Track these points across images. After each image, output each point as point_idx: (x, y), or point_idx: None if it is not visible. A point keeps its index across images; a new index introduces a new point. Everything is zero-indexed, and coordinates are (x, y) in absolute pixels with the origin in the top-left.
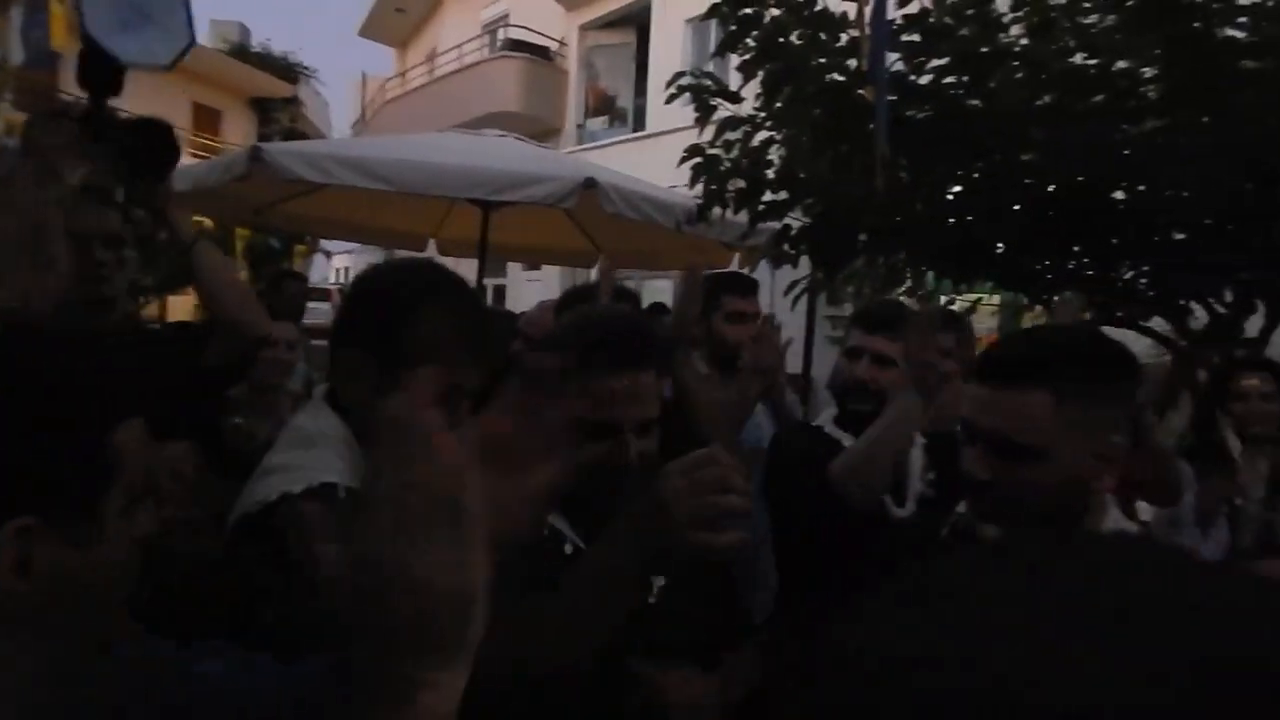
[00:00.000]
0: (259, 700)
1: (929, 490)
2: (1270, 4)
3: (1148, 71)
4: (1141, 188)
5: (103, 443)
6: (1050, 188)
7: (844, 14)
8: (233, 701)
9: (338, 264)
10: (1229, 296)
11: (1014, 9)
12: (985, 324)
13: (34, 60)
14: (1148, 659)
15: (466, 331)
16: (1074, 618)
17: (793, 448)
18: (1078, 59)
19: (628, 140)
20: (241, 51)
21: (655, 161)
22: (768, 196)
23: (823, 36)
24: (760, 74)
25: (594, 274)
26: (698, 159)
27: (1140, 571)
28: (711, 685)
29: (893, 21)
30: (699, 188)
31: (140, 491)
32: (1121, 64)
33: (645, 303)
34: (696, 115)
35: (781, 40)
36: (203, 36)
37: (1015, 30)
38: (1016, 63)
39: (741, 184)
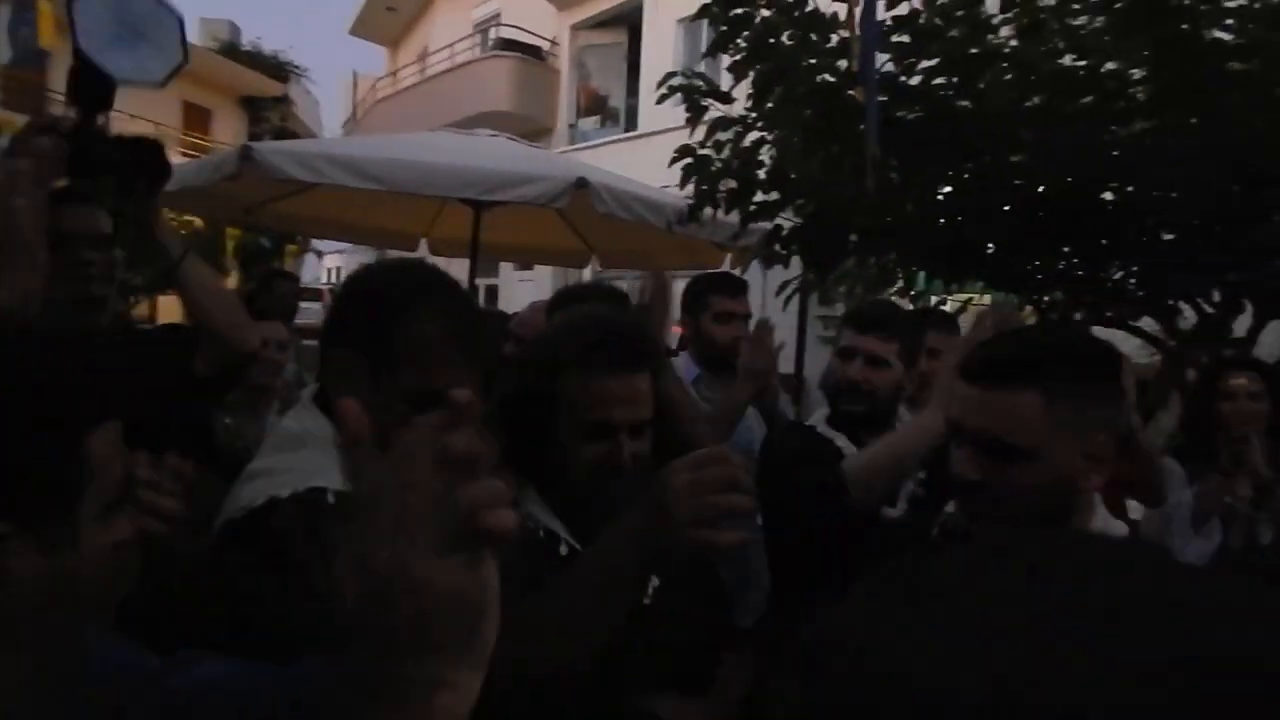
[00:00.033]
0: (257, 701)
1: (920, 490)
2: (1256, 6)
3: (1136, 73)
4: (1130, 189)
5: (78, 447)
6: (1040, 188)
7: (834, 15)
8: (231, 702)
9: (329, 264)
10: (1217, 296)
11: (1003, 10)
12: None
13: (22, 58)
14: (1142, 659)
15: (458, 332)
16: (1068, 618)
17: (785, 448)
18: (1067, 60)
19: (619, 140)
20: (232, 50)
21: (647, 161)
22: (759, 197)
23: (813, 37)
24: (751, 74)
25: (586, 274)
26: (688, 160)
27: (1132, 572)
28: (711, 703)
29: (883, 22)
30: (690, 188)
31: (115, 497)
32: (1110, 65)
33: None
34: (688, 115)
35: (772, 41)
36: (193, 35)
37: (1005, 32)
38: (1006, 64)
39: (733, 184)
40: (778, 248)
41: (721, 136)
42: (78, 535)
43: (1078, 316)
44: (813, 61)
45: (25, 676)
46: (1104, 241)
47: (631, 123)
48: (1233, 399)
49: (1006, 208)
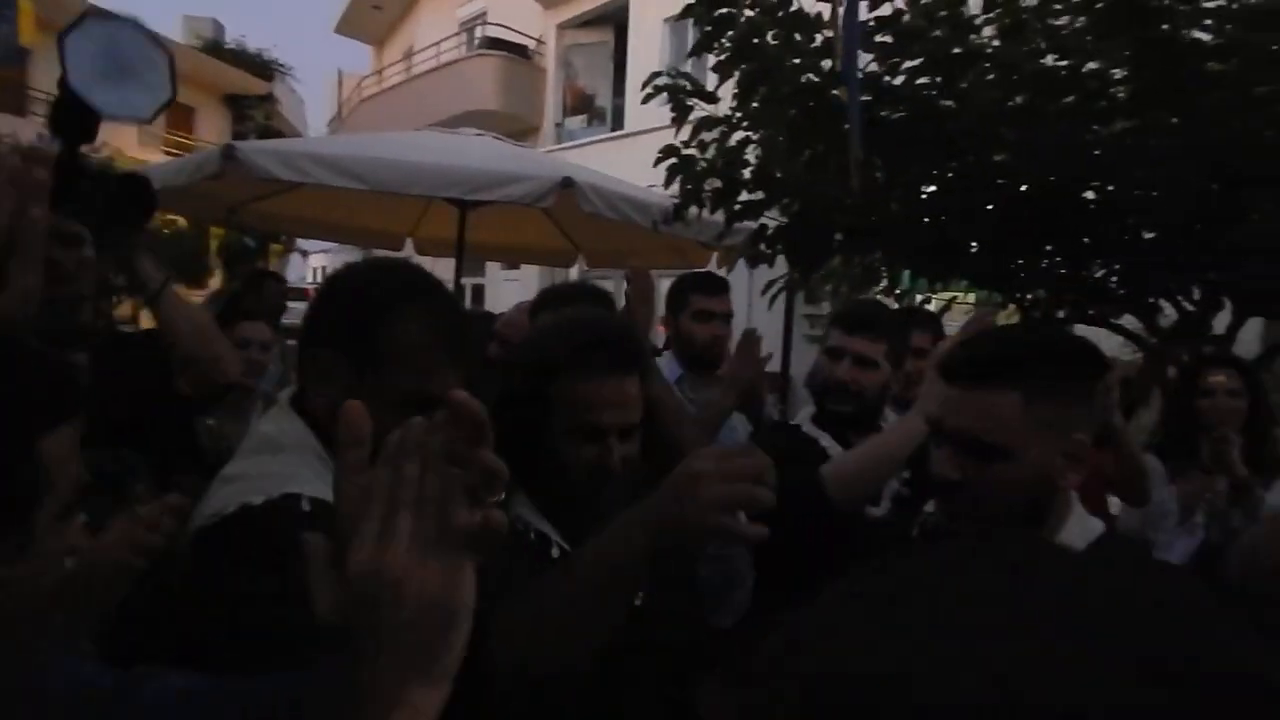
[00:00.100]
0: (214, 717)
1: (904, 489)
2: (1235, 7)
3: (1117, 73)
4: (1112, 188)
5: (33, 454)
6: (1023, 188)
7: (819, 15)
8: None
9: (314, 263)
10: (1197, 295)
11: (986, 11)
12: (959, 323)
13: (2, 57)
14: (1142, 659)
15: (443, 332)
16: (1066, 617)
17: (770, 447)
18: (1049, 61)
19: (606, 139)
20: (215, 48)
21: (633, 161)
22: (744, 196)
23: (798, 37)
24: (736, 74)
25: (573, 273)
26: (673, 159)
27: (1117, 571)
28: None
29: (866, 23)
30: (676, 187)
31: (70, 503)
32: (1092, 66)
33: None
34: (673, 115)
35: (756, 41)
36: (176, 32)
37: (987, 32)
38: (988, 64)
39: (718, 184)
40: (763, 247)
41: (706, 136)
42: (35, 541)
43: (1060, 314)
44: (797, 61)
45: None
46: (1086, 240)
47: (618, 122)
48: (1212, 396)
49: (990, 207)
